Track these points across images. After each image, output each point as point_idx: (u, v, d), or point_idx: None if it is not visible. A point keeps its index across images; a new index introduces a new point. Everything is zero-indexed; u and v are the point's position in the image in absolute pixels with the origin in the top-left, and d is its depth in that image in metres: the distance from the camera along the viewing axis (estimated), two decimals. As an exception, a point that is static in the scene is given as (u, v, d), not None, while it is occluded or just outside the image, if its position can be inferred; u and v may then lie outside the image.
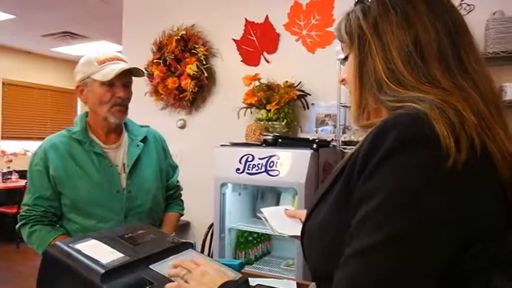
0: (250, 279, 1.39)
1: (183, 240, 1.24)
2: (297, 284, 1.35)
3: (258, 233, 2.89)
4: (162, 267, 1.04)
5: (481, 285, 0.68)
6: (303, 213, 1.26)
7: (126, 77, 1.64)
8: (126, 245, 1.08)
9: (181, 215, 1.97)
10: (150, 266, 1.03)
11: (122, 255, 1.03)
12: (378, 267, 0.62)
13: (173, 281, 0.99)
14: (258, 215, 1.32)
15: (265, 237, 2.99)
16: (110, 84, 1.60)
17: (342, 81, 0.89)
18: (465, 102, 0.67)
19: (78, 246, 1.01)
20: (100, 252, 1.01)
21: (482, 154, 0.64)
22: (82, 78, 1.64)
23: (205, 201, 3.04)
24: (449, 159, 0.61)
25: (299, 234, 1.12)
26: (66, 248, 0.99)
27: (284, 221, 1.30)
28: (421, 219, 0.61)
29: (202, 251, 2.95)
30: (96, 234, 1.12)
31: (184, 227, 3.52)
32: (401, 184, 0.63)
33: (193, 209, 3.42)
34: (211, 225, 2.92)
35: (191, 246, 1.25)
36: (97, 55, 1.62)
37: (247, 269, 2.63)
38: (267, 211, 1.31)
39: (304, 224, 0.85)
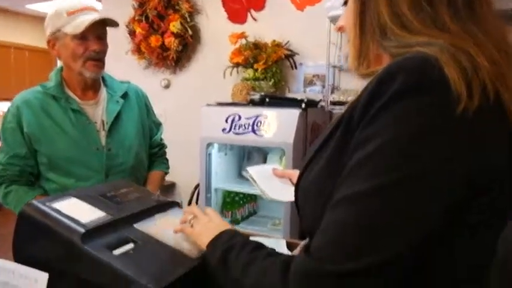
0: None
1: (169, 199, 1.19)
2: (287, 243, 1.32)
3: (245, 193, 2.87)
4: (147, 226, 0.99)
5: (485, 239, 0.65)
6: (293, 173, 1.21)
7: (99, 28, 1.54)
8: (109, 204, 1.03)
9: (166, 173, 1.91)
10: (134, 225, 0.98)
11: (104, 214, 0.97)
12: (370, 215, 0.58)
13: (158, 240, 0.95)
14: (244, 174, 1.25)
15: (252, 198, 2.97)
16: (82, 37, 1.50)
17: (340, 29, 0.82)
18: (477, 47, 0.62)
19: (57, 205, 0.95)
20: (80, 211, 0.95)
21: (495, 102, 0.59)
22: (52, 32, 1.53)
23: (191, 161, 2.99)
24: (459, 105, 0.56)
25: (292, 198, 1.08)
26: (43, 207, 0.93)
27: (273, 182, 1.24)
28: (421, 167, 0.57)
29: (188, 212, 2.92)
30: (76, 192, 1.06)
31: (169, 188, 3.48)
32: (403, 128, 0.58)
33: (179, 170, 3.38)
34: (197, 185, 2.89)
35: (177, 205, 1.20)
36: (66, 6, 1.51)
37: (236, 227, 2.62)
38: (253, 170, 1.25)
39: (298, 181, 0.81)
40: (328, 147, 0.73)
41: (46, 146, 1.52)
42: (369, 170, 0.59)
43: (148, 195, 1.13)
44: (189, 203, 2.99)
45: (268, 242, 1.36)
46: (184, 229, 0.93)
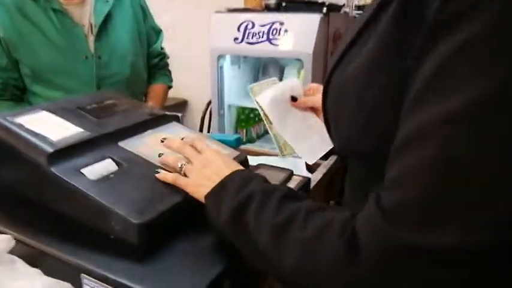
0: (250, 157, 1.18)
1: (166, 113, 1.00)
2: (306, 164, 1.13)
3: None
4: (135, 145, 0.81)
5: None
6: (317, 98, 0.96)
7: None
8: (88, 118, 0.84)
9: (170, 87, 1.71)
10: (119, 143, 0.80)
11: (80, 130, 0.78)
12: (480, 143, 0.40)
13: (150, 162, 0.77)
14: (248, 90, 0.99)
15: (268, 115, 2.77)
16: None
17: None
18: None
19: (21, 119, 0.76)
20: (50, 127, 0.76)
21: None
22: None
23: (202, 76, 2.76)
24: None
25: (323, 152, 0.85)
26: (3, 121, 0.74)
27: (293, 119, 0.97)
28: None
29: (200, 130, 2.76)
30: (49, 104, 0.86)
31: (181, 106, 3.30)
32: None
33: (191, 86, 3.18)
34: (209, 102, 2.69)
35: (176, 119, 1.00)
36: None
37: (249, 146, 2.46)
38: (265, 100, 0.97)
39: (328, 80, 0.60)
40: (371, 36, 0.52)
41: (27, 55, 1.31)
42: (462, 78, 0.40)
43: (139, 108, 0.94)
44: (202, 121, 2.81)
45: (286, 161, 1.18)
46: (175, 180, 0.71)
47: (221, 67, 2.51)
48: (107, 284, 0.58)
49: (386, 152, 0.47)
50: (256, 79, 2.79)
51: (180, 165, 0.72)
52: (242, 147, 1.51)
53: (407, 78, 0.45)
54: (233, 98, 2.62)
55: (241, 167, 0.70)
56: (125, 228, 0.62)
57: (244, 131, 2.62)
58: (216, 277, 0.57)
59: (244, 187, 0.61)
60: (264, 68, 2.77)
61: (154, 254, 0.62)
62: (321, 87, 1.02)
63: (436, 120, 0.41)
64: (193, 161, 0.72)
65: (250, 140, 2.65)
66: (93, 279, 0.59)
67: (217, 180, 0.65)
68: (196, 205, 0.67)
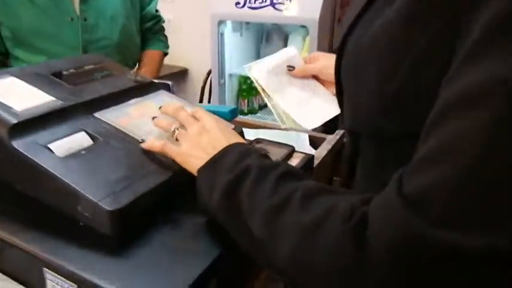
0: (250, 130, 1.08)
1: (154, 80, 0.89)
2: (309, 137, 1.03)
3: (263, 79, 2.55)
4: (115, 116, 0.71)
5: None
6: (319, 67, 0.87)
7: None
8: (62, 85, 0.73)
9: (165, 53, 1.59)
10: (96, 114, 0.70)
11: (52, 98, 0.68)
12: None
13: (131, 136, 0.67)
14: (246, 70, 0.89)
15: (271, 85, 2.65)
16: None
17: None
18: None
19: (-19, 85, 0.66)
20: (16, 96, 0.66)
21: None
22: None
23: (203, 44, 2.63)
24: None
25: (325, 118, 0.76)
26: (-39, 87, 0.64)
27: (292, 88, 0.88)
28: None
29: (201, 101, 2.65)
30: (20, 70, 0.76)
31: (181, 75, 3.18)
32: None
33: (192, 54, 3.04)
34: (210, 71, 2.57)
35: (166, 88, 0.90)
36: None
37: (249, 118, 2.35)
38: (260, 73, 0.89)
39: (342, 48, 0.50)
40: None
41: (6, 15, 1.20)
42: None
43: (121, 74, 0.83)
44: (202, 91, 2.69)
45: (288, 136, 1.08)
46: (164, 147, 0.62)
47: (222, 34, 2.38)
48: (72, 281, 0.50)
49: (413, 129, 0.37)
50: (258, 47, 2.66)
51: (173, 129, 0.64)
52: (242, 119, 1.41)
53: (455, 35, 0.35)
54: (234, 66, 2.50)
55: (241, 140, 0.61)
56: (95, 216, 0.53)
57: (246, 101, 2.51)
58: (201, 276, 0.48)
59: (240, 162, 0.53)
60: (267, 36, 2.64)
61: (129, 247, 0.53)
62: (324, 55, 0.91)
63: (496, 78, 0.31)
64: (189, 127, 0.63)
65: (252, 111, 2.54)
66: (57, 275, 0.50)
67: (212, 152, 0.57)
68: (179, 187, 0.58)
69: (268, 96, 0.85)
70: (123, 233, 0.53)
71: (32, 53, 1.23)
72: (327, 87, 0.88)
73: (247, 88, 2.53)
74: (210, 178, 0.54)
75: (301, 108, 0.85)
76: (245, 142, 0.61)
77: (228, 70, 2.47)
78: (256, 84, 0.88)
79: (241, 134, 0.79)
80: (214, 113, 0.80)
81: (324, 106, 0.83)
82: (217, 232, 0.55)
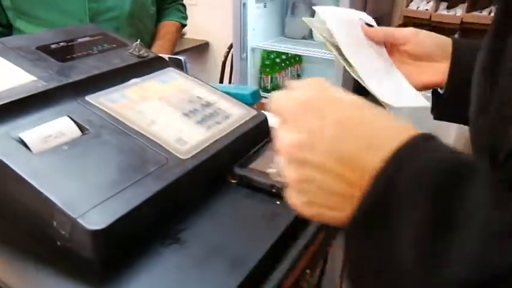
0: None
1: (164, 55, 0.76)
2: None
3: (288, 54, 2.39)
4: (111, 100, 0.58)
5: None
6: (402, 33, 0.65)
7: None
8: (48, 61, 0.61)
9: (183, 25, 1.44)
10: (86, 98, 0.57)
11: (32, 78, 0.56)
12: None
13: (129, 127, 0.54)
14: (317, 12, 0.66)
15: (296, 59, 2.49)
16: None
17: None
18: None
19: None
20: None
21: None
22: None
23: (225, 16, 2.47)
24: None
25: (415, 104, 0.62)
26: None
27: (367, 50, 0.65)
28: None
29: (221, 77, 2.50)
30: (2, 42, 0.63)
31: (202, 49, 3.03)
32: None
33: (212, 27, 2.89)
34: (232, 45, 2.41)
35: (178, 64, 0.76)
36: None
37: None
38: (330, 17, 0.65)
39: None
40: None
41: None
42: None
43: (122, 48, 0.69)
44: (223, 66, 2.54)
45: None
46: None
47: (244, 4, 2.22)
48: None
49: None
50: (283, 20, 2.49)
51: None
52: (265, 101, 1.26)
53: None
54: (257, 40, 2.35)
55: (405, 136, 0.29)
56: (74, 235, 0.40)
57: (269, 77, 2.36)
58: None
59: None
60: (292, 7, 2.46)
61: (118, 276, 0.40)
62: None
63: None
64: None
65: (275, 88, 2.39)
66: (22, 314, 0.39)
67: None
68: (185, 196, 0.45)
69: (342, 55, 0.64)
70: (109, 257, 0.41)
71: (35, 25, 1.11)
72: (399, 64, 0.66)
73: (270, 63, 2.37)
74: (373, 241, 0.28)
75: (383, 79, 0.63)
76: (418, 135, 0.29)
77: (250, 44, 2.32)
78: (319, 33, 0.67)
79: (266, 121, 0.65)
80: (233, 95, 0.66)
81: (410, 87, 0.64)
82: (232, 257, 0.42)
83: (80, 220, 0.40)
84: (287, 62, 2.45)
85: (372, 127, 0.30)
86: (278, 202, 0.52)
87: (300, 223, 0.51)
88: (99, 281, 0.40)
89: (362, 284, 0.31)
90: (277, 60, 2.39)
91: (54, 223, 0.41)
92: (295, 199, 0.33)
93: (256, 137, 0.62)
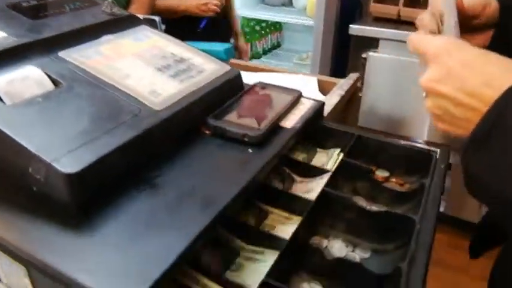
0: (253, 74, 0.95)
1: (136, 14, 0.76)
2: (318, 81, 0.90)
3: (268, 21, 2.38)
4: (83, 56, 0.58)
5: None
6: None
7: None
8: (19, 19, 0.60)
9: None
10: (60, 54, 0.57)
11: (3, 34, 0.56)
12: None
13: (104, 81, 0.54)
14: None
15: (276, 27, 2.48)
16: None
17: None
18: None
19: None
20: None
21: None
22: None
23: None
24: None
25: None
26: None
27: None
28: None
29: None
30: (-30, 0, 0.63)
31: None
32: None
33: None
34: (210, 12, 2.38)
35: (152, 23, 0.77)
36: None
37: (254, 62, 2.21)
38: None
39: None
40: None
41: None
42: None
43: (96, 6, 0.69)
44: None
45: (296, 80, 0.95)
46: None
47: (222, -30, 2.19)
48: (20, 263, 0.39)
49: None
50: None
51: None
52: (240, 62, 1.27)
53: None
54: (237, 7, 2.32)
55: None
56: (49, 180, 0.42)
57: (249, 45, 2.35)
58: (180, 258, 0.38)
59: None
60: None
61: (93, 219, 0.42)
62: None
63: None
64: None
65: (256, 56, 2.39)
66: (2, 253, 0.40)
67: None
68: (159, 144, 0.47)
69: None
70: (85, 201, 0.42)
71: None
72: None
73: (250, 31, 2.36)
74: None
75: None
76: None
77: (229, 11, 2.31)
78: None
79: (239, 76, 0.66)
80: (207, 52, 0.67)
81: None
82: (204, 199, 0.44)
83: (54, 164, 0.41)
84: (267, 30, 2.45)
85: (491, 66, 0.39)
86: (250, 150, 0.54)
87: (272, 168, 0.54)
88: (75, 224, 0.41)
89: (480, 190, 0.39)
90: (257, 27, 2.38)
91: (30, 169, 0.43)
92: (433, 116, 0.43)
93: (229, 92, 0.63)
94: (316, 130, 0.69)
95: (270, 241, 0.50)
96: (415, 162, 0.66)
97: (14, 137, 0.43)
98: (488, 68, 0.38)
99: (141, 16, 0.79)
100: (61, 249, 0.39)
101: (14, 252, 0.39)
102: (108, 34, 0.64)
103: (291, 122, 0.61)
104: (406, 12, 1.85)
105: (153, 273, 0.36)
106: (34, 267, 0.39)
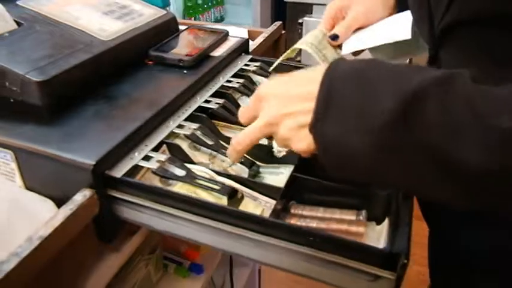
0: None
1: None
2: (248, 32, 1.04)
3: (209, -5, 2.48)
4: (39, 3, 0.69)
5: None
6: (360, 13, 0.69)
7: None
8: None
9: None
10: (18, 2, 0.68)
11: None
12: None
13: (58, 21, 0.65)
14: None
15: (218, 1, 2.59)
16: None
17: None
18: None
19: None
20: None
21: None
22: None
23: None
24: None
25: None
26: None
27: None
28: None
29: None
30: None
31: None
32: None
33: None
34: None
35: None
36: None
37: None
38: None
39: None
40: None
41: None
42: None
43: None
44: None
45: (230, 30, 1.08)
46: (255, 129, 0.44)
47: None
48: (7, 149, 0.51)
49: None
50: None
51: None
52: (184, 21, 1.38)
53: None
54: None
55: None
56: (24, 88, 0.53)
57: (192, 19, 2.45)
58: (130, 137, 0.51)
59: (379, 86, 0.35)
60: None
61: (62, 117, 0.54)
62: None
63: None
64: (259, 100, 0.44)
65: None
66: (-9, 145, 0.52)
67: (311, 97, 0.38)
68: (106, 70, 0.59)
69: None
70: (54, 104, 0.54)
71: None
72: None
73: (193, 5, 2.46)
74: (337, 123, 0.36)
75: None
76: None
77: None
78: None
79: (175, 20, 0.79)
80: (145, 1, 0.79)
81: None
82: (149, 101, 0.57)
83: (28, 76, 0.53)
84: (209, 4, 2.55)
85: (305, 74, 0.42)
86: (185, 72, 0.67)
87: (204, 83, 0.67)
88: (46, 122, 0.53)
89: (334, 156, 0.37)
90: (199, 1, 2.48)
91: (7, 83, 0.54)
92: (288, 136, 0.41)
93: (166, 31, 0.76)
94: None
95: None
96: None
97: (-9, 59, 0.54)
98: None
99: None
100: (38, 137, 0.51)
101: (1, 142, 0.51)
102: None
103: (218, 52, 0.75)
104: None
105: (105, 148, 0.48)
106: (20, 151, 0.50)
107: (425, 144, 0.33)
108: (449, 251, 0.57)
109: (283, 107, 0.41)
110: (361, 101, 0.35)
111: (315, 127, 0.37)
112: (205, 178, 0.50)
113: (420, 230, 0.64)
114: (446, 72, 0.34)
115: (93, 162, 0.46)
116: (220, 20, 2.69)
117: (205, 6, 2.52)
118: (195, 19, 2.46)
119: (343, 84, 0.36)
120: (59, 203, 0.49)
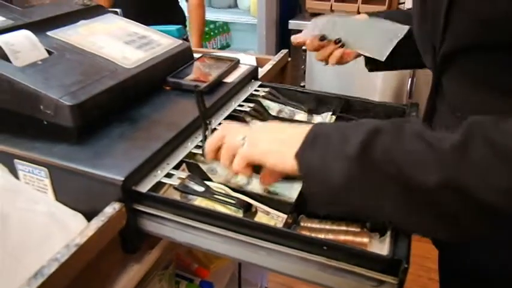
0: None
1: (100, 4, 0.93)
2: (256, 59, 1.10)
3: (216, 23, 2.57)
4: (67, 34, 0.75)
5: None
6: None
7: None
8: (9, 7, 0.76)
9: None
10: (48, 33, 0.74)
11: (1, 18, 0.71)
12: None
13: (84, 50, 0.71)
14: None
15: (224, 29, 2.68)
16: None
17: None
18: None
19: None
20: (-33, 16, 0.69)
21: None
22: None
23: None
24: None
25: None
26: None
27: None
28: None
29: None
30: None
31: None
32: None
33: None
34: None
35: (114, 12, 0.94)
36: None
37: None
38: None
39: None
40: None
41: None
42: None
43: (71, 0, 0.86)
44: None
45: (238, 57, 1.14)
46: (244, 156, 0.51)
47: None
48: (42, 166, 0.56)
49: None
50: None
51: (241, 138, 0.52)
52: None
53: None
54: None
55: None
56: (58, 111, 0.59)
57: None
58: (152, 157, 0.56)
59: (351, 128, 0.46)
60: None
61: (90, 138, 0.59)
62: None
63: None
64: (253, 128, 0.56)
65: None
66: (27, 163, 0.57)
67: (299, 138, 0.47)
68: (129, 94, 0.64)
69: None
70: (83, 125, 0.60)
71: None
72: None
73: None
74: (320, 155, 0.45)
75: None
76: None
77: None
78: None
79: (189, 49, 0.85)
80: (163, 31, 0.85)
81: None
82: (168, 124, 0.62)
83: (61, 100, 0.58)
84: (216, 31, 2.63)
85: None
86: (201, 96, 0.73)
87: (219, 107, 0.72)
88: (77, 142, 0.58)
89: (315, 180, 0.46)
90: (206, 29, 2.57)
91: (41, 107, 0.59)
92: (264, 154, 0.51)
93: (182, 60, 0.82)
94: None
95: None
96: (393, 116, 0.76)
97: (30, 85, 0.59)
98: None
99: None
100: (70, 155, 0.56)
101: (37, 160, 0.56)
102: (83, 19, 0.81)
103: (231, 79, 0.80)
104: (338, 6, 2.11)
105: (132, 166, 0.53)
106: (54, 168, 0.55)
107: (386, 167, 0.41)
108: (462, 270, 0.61)
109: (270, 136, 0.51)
110: (339, 139, 0.45)
111: (301, 155, 0.46)
112: (222, 193, 0.55)
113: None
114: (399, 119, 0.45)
115: (123, 178, 0.51)
116: (226, 46, 2.77)
117: (212, 33, 2.61)
118: (202, 46, 2.53)
119: (326, 130, 0.47)
120: (86, 216, 0.54)
